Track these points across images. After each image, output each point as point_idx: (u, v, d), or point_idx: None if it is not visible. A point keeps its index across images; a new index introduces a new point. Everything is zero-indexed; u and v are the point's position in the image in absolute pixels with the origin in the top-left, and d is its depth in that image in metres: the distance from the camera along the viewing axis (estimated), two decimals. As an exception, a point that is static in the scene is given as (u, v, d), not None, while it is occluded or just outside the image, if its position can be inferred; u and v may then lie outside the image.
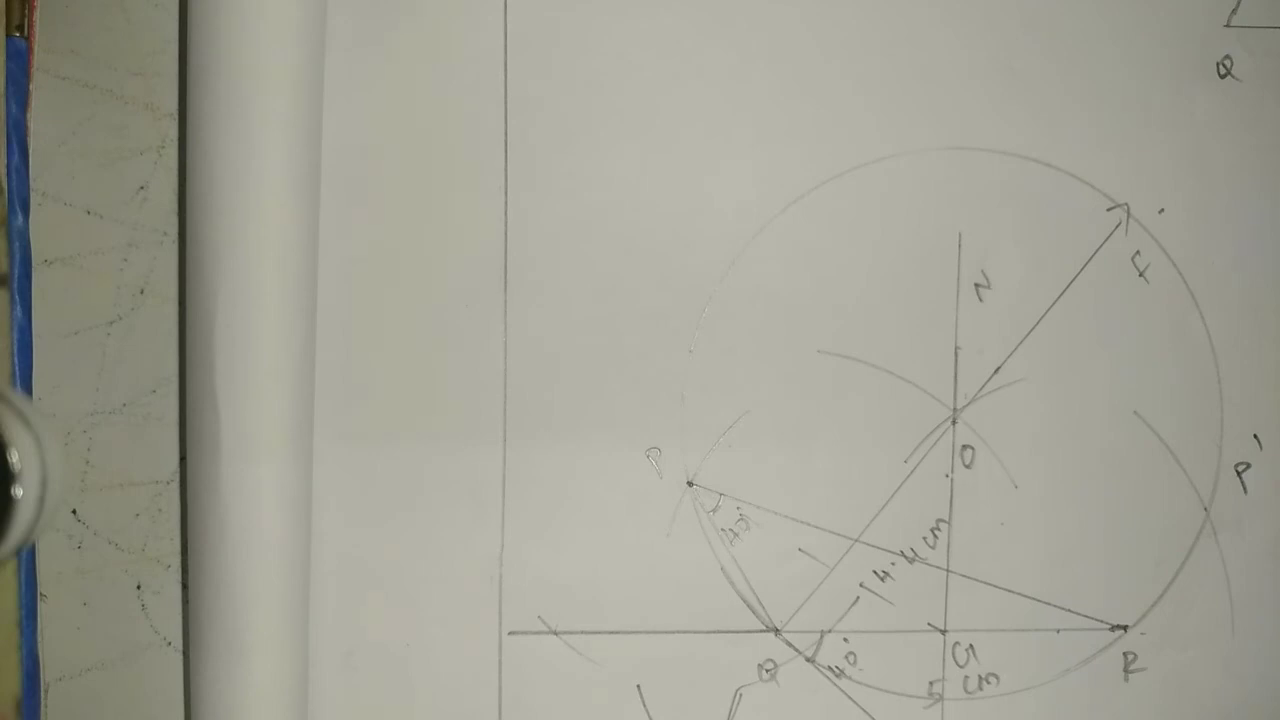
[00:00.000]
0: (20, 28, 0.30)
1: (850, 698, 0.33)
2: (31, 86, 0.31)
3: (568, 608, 0.33)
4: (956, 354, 0.33)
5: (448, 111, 0.32)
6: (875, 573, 0.33)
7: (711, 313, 0.32)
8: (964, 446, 0.33)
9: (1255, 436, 0.34)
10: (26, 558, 0.31)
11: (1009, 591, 0.34)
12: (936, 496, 0.33)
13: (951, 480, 0.33)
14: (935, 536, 0.33)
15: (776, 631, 0.33)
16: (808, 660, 0.33)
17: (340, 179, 0.31)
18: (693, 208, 0.32)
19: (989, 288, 0.33)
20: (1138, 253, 0.33)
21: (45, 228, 0.31)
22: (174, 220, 0.31)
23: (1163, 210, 0.33)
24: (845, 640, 0.33)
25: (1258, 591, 0.34)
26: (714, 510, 0.33)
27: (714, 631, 0.33)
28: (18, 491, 0.27)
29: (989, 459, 0.33)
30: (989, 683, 0.34)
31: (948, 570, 0.33)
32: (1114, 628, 0.34)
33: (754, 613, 0.33)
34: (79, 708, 0.32)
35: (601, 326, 0.32)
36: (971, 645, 0.34)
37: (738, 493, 0.33)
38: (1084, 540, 0.34)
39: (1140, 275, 0.33)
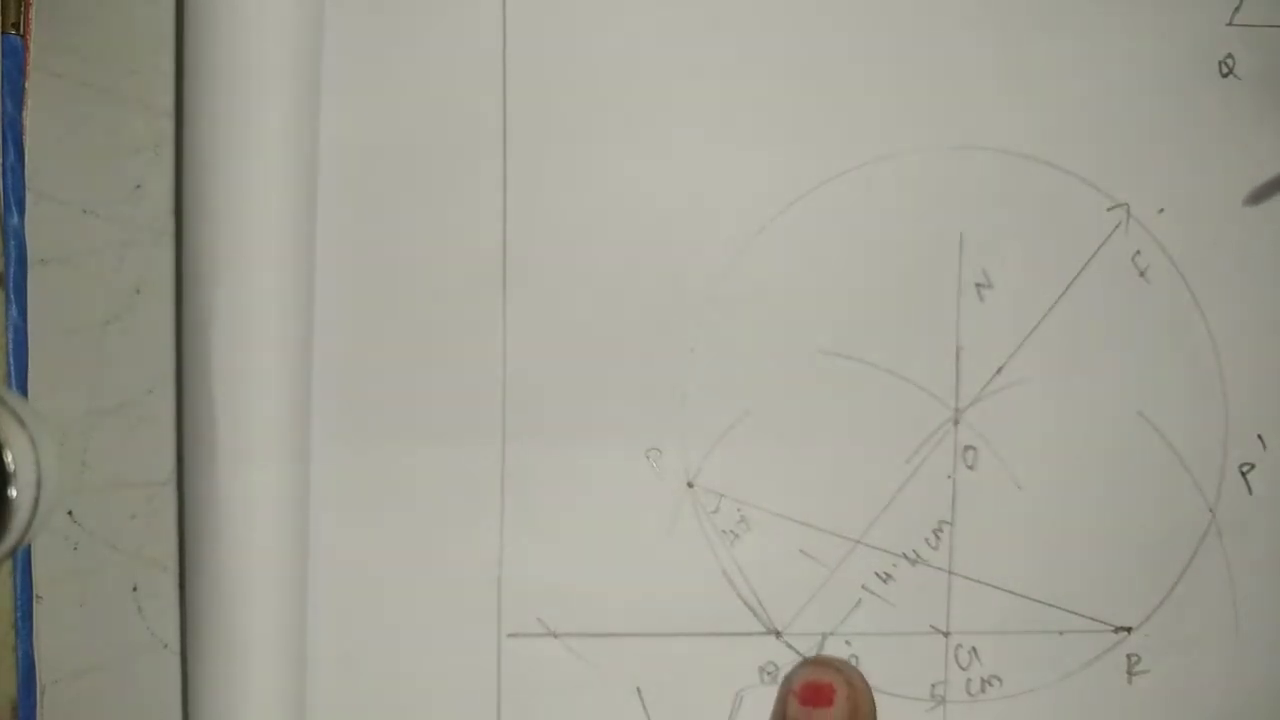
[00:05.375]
0: (16, 25, 0.30)
1: (852, 700, 0.33)
2: (27, 84, 0.31)
3: (567, 610, 0.33)
4: (958, 354, 0.33)
5: (446, 109, 0.31)
6: (877, 574, 0.33)
7: (712, 312, 0.32)
8: (966, 447, 0.33)
9: (1259, 437, 0.34)
10: (22, 559, 0.31)
11: (1012, 593, 0.33)
12: (939, 498, 0.33)
13: (954, 481, 0.33)
14: (938, 538, 0.33)
15: (778, 634, 0.33)
16: (809, 662, 0.33)
17: (338, 178, 0.31)
18: (693, 206, 0.32)
19: (990, 287, 0.33)
20: (1138, 252, 0.33)
21: (40, 226, 0.31)
22: (170, 219, 0.31)
23: (1163, 210, 0.33)
24: (847, 643, 0.33)
25: (1262, 593, 0.34)
26: (714, 512, 0.33)
27: (715, 634, 0.33)
28: (13, 492, 0.27)
29: (992, 460, 0.33)
30: (992, 685, 0.34)
31: (950, 572, 0.33)
32: (1117, 630, 0.34)
33: (755, 615, 0.33)
34: (75, 710, 0.32)
35: (601, 326, 0.32)
36: (974, 648, 0.33)
37: (738, 494, 0.33)
38: (1087, 542, 0.33)
39: (1141, 275, 0.33)
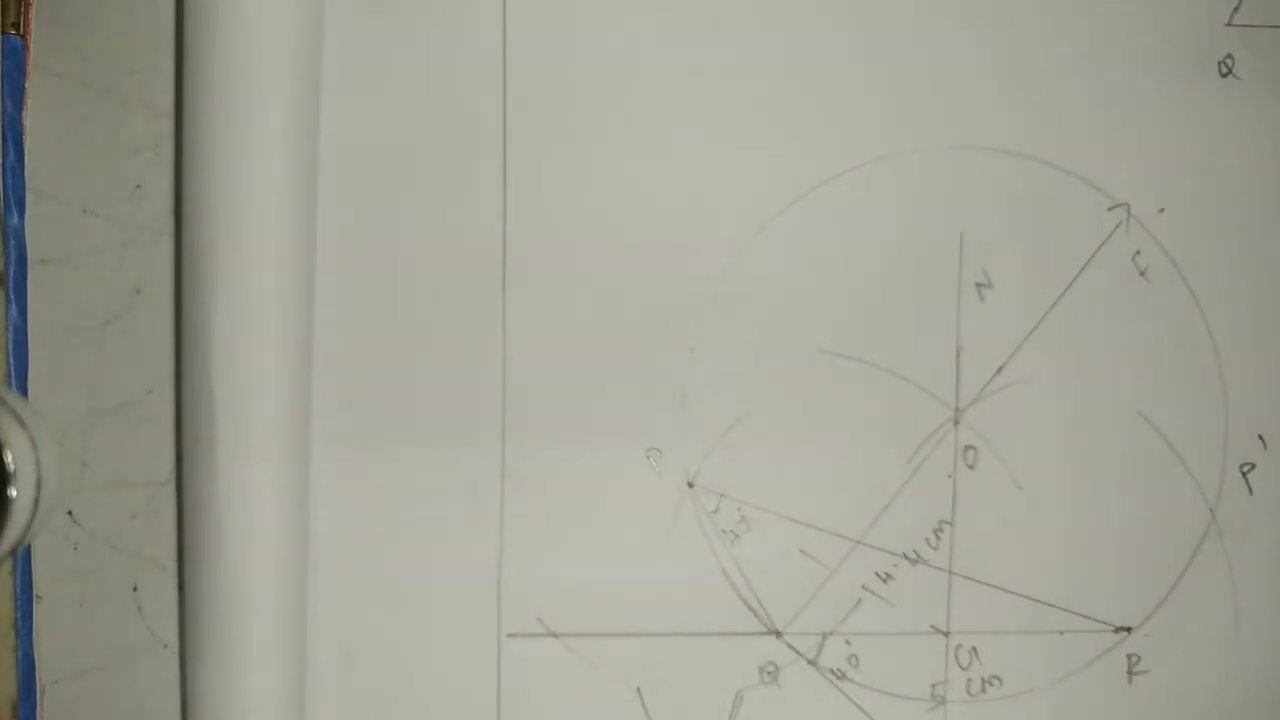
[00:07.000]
0: (16, 25, 0.30)
1: (852, 700, 0.33)
2: (27, 84, 0.31)
3: (567, 610, 0.33)
4: (958, 354, 0.33)
5: (446, 110, 0.31)
6: (877, 574, 0.33)
7: (712, 312, 0.32)
8: (967, 447, 0.33)
9: (1260, 437, 0.34)
10: (22, 559, 0.31)
11: (1012, 593, 0.33)
12: (939, 497, 0.33)
13: (954, 481, 0.33)
14: (938, 538, 0.33)
15: (778, 634, 0.33)
16: (809, 663, 0.33)
17: (338, 178, 0.31)
18: (693, 206, 0.32)
19: (991, 287, 0.33)
20: (1138, 252, 0.33)
21: (41, 226, 0.31)
22: (170, 219, 0.31)
23: (1163, 210, 0.33)
24: (847, 643, 0.33)
25: (1263, 593, 0.34)
26: (714, 512, 0.33)
27: (715, 634, 0.33)
28: (13, 492, 0.27)
29: (992, 460, 0.33)
30: (992, 685, 0.34)
31: (950, 572, 0.33)
32: (1118, 630, 0.34)
33: (755, 615, 0.33)
34: (75, 710, 0.32)
35: (601, 326, 0.32)
36: (974, 648, 0.33)
37: (739, 494, 0.33)
38: (1088, 542, 0.33)
39: (1141, 275, 0.33)
